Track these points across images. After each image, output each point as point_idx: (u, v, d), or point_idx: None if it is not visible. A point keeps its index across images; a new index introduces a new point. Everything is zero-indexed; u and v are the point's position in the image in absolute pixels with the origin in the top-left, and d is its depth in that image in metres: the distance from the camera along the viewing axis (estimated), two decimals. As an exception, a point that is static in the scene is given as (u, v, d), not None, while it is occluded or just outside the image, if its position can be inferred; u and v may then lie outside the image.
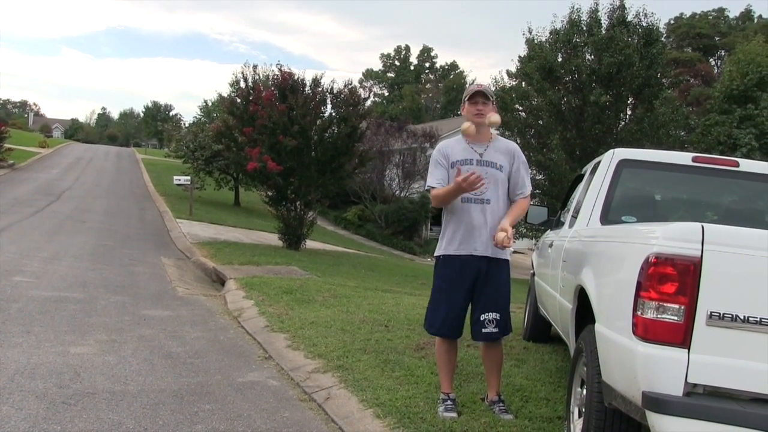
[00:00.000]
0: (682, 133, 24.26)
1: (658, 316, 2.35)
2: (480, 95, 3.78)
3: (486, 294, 3.76)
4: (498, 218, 3.75)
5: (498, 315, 3.77)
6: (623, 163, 4.14)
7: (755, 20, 54.12)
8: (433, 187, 3.84)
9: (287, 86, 13.24)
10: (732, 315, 2.30)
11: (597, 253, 3.31)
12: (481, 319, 3.75)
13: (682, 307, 2.33)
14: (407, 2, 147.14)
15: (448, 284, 3.80)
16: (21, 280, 7.13)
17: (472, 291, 3.77)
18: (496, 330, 3.77)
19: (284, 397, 4.11)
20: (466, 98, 3.83)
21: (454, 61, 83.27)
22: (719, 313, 2.31)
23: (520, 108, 23.50)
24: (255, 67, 14.02)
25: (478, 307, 3.77)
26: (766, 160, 4.80)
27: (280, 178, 13.02)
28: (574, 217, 4.42)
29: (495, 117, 3.75)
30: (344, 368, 4.51)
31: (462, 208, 3.77)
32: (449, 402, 3.76)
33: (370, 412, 3.70)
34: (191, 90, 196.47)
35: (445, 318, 3.79)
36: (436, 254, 3.92)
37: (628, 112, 23.09)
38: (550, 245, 5.02)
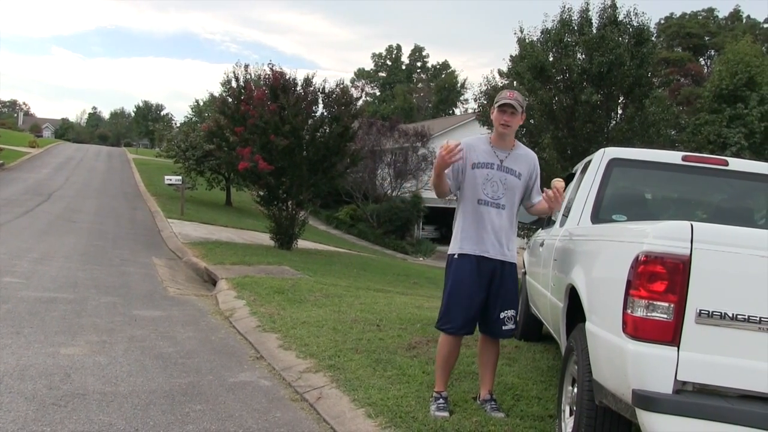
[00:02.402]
0: (673, 132, 24.37)
1: (648, 314, 2.37)
2: (509, 106, 3.79)
3: (503, 293, 3.84)
4: (510, 224, 3.87)
5: (513, 311, 3.89)
6: (614, 162, 4.15)
7: (744, 20, 54.52)
8: None
9: (279, 86, 13.21)
10: (721, 313, 2.32)
11: (587, 252, 3.32)
12: (501, 317, 3.84)
13: (672, 306, 2.34)
14: (399, 2, 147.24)
15: (465, 283, 3.80)
16: (10, 281, 7.08)
17: (488, 290, 3.82)
18: (513, 326, 3.91)
19: (276, 397, 4.11)
20: (497, 104, 3.84)
21: (445, 60, 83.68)
22: (708, 311, 2.33)
23: (512, 107, 23.49)
24: (247, 66, 13.99)
25: (496, 306, 3.83)
26: (755, 159, 4.83)
27: (271, 177, 12.99)
28: (565, 216, 4.43)
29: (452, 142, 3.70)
30: (336, 368, 4.51)
31: (476, 209, 3.82)
32: (441, 401, 3.77)
33: (362, 411, 3.70)
34: (183, 90, 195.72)
35: (466, 317, 3.80)
36: (450, 252, 3.95)
37: (619, 112, 23.15)
38: (541, 244, 5.03)
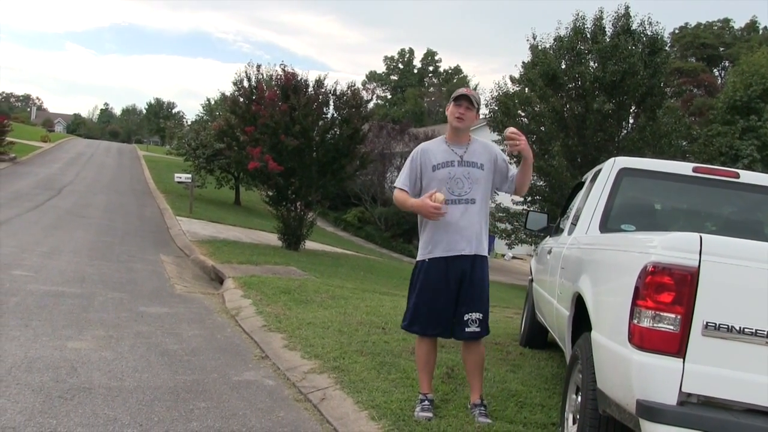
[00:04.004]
0: (684, 143, 24.24)
1: (655, 325, 2.36)
2: (465, 99, 3.78)
3: (471, 294, 3.78)
4: (481, 217, 3.80)
5: (481, 315, 3.80)
6: (624, 172, 4.15)
7: (760, 32, 54.08)
8: (399, 188, 3.88)
9: (290, 86, 13.23)
10: (728, 326, 2.31)
11: (595, 261, 3.31)
12: (465, 318, 3.78)
13: (679, 317, 2.34)
14: (411, 5, 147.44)
15: (433, 285, 3.78)
16: (20, 274, 7.13)
17: (458, 290, 3.77)
18: (479, 329, 3.81)
19: (280, 397, 4.12)
20: (452, 99, 3.84)
21: (457, 65, 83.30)
22: (715, 324, 2.32)
23: (523, 114, 23.51)
24: (259, 66, 14.01)
25: (462, 306, 3.78)
26: (767, 172, 4.80)
27: (280, 178, 13.02)
28: (574, 224, 4.43)
29: (440, 195, 3.69)
30: (340, 369, 4.51)
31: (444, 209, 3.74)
32: (426, 402, 3.78)
33: (365, 414, 3.71)
34: (194, 88, 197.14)
35: (433, 318, 3.79)
36: (419, 258, 3.88)
37: (631, 121, 23.08)
38: (549, 252, 5.03)
